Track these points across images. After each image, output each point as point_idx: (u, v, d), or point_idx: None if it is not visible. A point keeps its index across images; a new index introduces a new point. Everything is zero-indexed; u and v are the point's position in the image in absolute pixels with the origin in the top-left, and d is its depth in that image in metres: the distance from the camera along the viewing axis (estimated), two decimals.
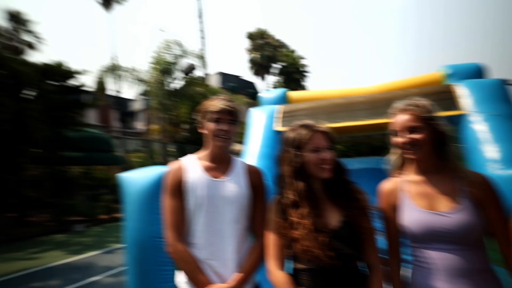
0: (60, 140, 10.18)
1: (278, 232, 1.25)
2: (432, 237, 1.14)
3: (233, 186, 1.41)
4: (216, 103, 1.41)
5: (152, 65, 12.97)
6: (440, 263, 1.12)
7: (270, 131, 3.82)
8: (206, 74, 20.10)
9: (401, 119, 1.25)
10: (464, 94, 3.26)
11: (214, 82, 29.67)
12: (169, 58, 13.01)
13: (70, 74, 10.15)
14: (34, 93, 9.46)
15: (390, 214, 1.30)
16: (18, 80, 8.70)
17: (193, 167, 1.43)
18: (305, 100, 4.49)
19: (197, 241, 1.38)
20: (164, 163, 13.62)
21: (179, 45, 12.99)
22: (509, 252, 1.10)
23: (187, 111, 16.20)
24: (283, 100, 4.52)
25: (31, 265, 5.65)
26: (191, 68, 10.99)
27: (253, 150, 3.62)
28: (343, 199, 1.26)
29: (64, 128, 10.41)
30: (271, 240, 1.28)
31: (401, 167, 1.34)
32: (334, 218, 1.22)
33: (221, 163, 1.46)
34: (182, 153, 15.23)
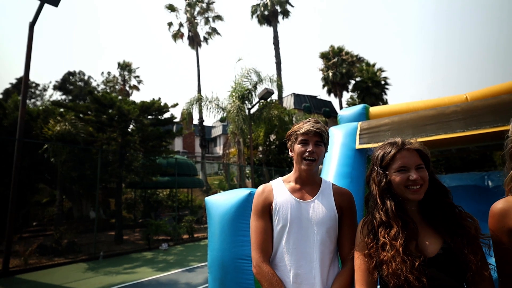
0: (152, 166, 11.53)
1: (366, 254, 1.20)
2: None
3: (319, 208, 1.41)
4: (303, 126, 1.46)
5: (232, 93, 13.93)
6: None
7: (350, 149, 3.71)
8: (280, 97, 20.67)
9: None
10: None
11: (289, 103, 30.19)
12: (246, 84, 13.84)
13: (163, 108, 11.58)
14: (135, 128, 11.05)
15: (504, 240, 1.09)
16: (124, 117, 10.31)
17: (280, 189, 1.47)
18: (387, 115, 4.27)
19: (283, 263, 1.38)
20: (240, 184, 14.18)
21: (256, 72, 13.74)
22: None
23: (263, 133, 16.76)
24: (363, 116, 4.38)
25: (127, 279, 6.41)
26: (267, 93, 11.43)
27: (331, 170, 3.56)
28: (444, 224, 1.14)
29: (155, 156, 11.75)
30: (359, 263, 1.23)
31: None
32: (432, 245, 1.12)
33: (308, 184, 1.48)
34: (257, 174, 15.70)
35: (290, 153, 1.51)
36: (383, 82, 28.04)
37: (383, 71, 28.24)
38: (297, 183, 1.48)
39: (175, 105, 11.97)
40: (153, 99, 11.48)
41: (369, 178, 1.28)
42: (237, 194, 2.05)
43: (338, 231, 1.44)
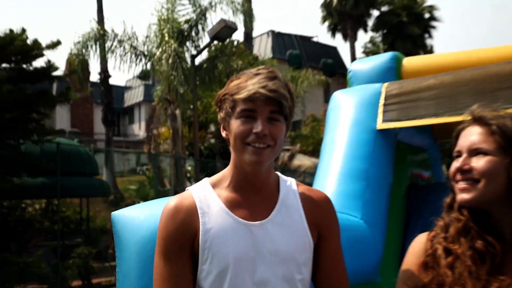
0: (11, 157, 11.05)
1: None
2: None
3: (281, 233, 1.39)
4: (246, 83, 1.34)
5: (158, 27, 13.61)
6: None
7: (368, 130, 3.79)
8: (250, 36, 20.59)
9: None
10: None
11: (263, 49, 30.23)
12: (187, 11, 13.56)
13: (31, 49, 10.97)
14: None
15: None
16: None
17: (209, 203, 1.40)
18: (432, 72, 4.38)
19: None
20: (176, 190, 14.15)
21: None
22: None
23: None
24: (392, 73, 4.46)
25: None
26: (225, 27, 11.22)
27: (335, 166, 3.62)
28: None
29: (19, 139, 11.26)
30: None
31: None
32: None
33: (256, 191, 1.44)
34: (205, 173, 15.69)
35: (223, 133, 1.44)
36: (427, 16, 28.79)
37: None
38: (237, 189, 1.43)
39: (55, 45, 11.41)
40: (11, 30, 10.90)
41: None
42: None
43: (314, 266, 1.46)
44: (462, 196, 1.30)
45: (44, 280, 10.77)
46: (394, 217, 3.88)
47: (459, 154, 1.35)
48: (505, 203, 1.29)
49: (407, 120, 3.75)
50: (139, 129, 35.93)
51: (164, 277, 1.37)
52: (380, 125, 3.81)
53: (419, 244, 1.41)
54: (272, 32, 31.64)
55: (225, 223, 1.35)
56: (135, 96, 37.92)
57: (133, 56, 13.96)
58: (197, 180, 13.31)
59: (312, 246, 1.43)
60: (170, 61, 12.99)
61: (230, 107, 1.36)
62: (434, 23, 28.68)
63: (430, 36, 28.40)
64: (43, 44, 11.30)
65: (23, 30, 11.12)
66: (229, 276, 1.32)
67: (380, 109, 3.89)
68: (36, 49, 11.14)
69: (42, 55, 11.39)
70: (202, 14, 13.50)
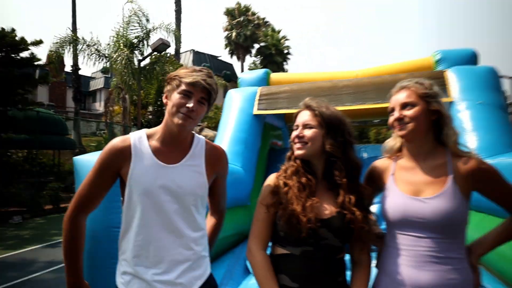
0: (3, 120, 9.68)
1: (269, 208, 1.29)
2: (407, 222, 1.19)
3: (186, 173, 1.30)
4: (192, 73, 1.26)
5: (116, 39, 12.50)
6: (410, 249, 1.18)
7: (247, 114, 3.83)
8: (178, 52, 19.72)
9: (398, 96, 1.28)
10: (453, 81, 3.40)
11: (187, 61, 29.14)
12: (137, 30, 12.60)
13: (19, 44, 9.58)
14: None
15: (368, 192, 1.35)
16: None
17: (141, 148, 1.27)
18: (287, 82, 4.52)
19: (135, 245, 1.25)
20: None
21: (145, 16, 12.57)
22: None
23: (154, 91, 15.86)
24: (264, 81, 4.53)
25: None
26: (162, 44, 10.61)
27: (227, 134, 3.64)
28: (343, 187, 1.26)
29: (8, 107, 9.89)
30: (259, 215, 1.33)
31: (396, 151, 1.36)
32: (328, 207, 1.26)
33: (177, 144, 1.33)
34: None
35: (165, 100, 1.32)
36: (285, 51, 29.60)
37: (287, 39, 29.74)
38: (165, 141, 1.31)
39: (38, 43, 10.04)
40: (3, 29, 9.41)
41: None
42: None
43: (210, 194, 1.42)
44: (297, 152, 1.30)
45: (23, 205, 9.64)
46: (260, 167, 4.00)
47: (297, 128, 1.34)
48: (319, 156, 1.30)
49: (271, 110, 3.86)
50: (99, 106, 32.89)
51: (90, 183, 1.28)
52: (255, 112, 3.88)
53: (270, 179, 1.38)
54: (193, 50, 30.50)
55: (149, 164, 1.26)
56: (97, 83, 34.55)
57: (97, 56, 12.74)
58: None
59: (208, 185, 1.36)
60: (123, 62, 12.10)
61: (176, 84, 1.27)
62: (289, 56, 29.57)
63: (287, 63, 29.28)
64: (29, 41, 9.90)
65: (13, 30, 9.61)
66: (144, 197, 1.24)
67: (256, 102, 3.95)
68: (23, 44, 9.70)
69: (27, 49, 9.97)
70: (147, 34, 12.66)
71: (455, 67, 3.56)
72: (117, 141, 1.29)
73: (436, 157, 1.24)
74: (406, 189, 1.23)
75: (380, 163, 1.39)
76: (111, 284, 1.76)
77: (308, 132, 1.30)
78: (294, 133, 1.34)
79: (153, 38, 12.53)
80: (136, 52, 12.76)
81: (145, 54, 12.65)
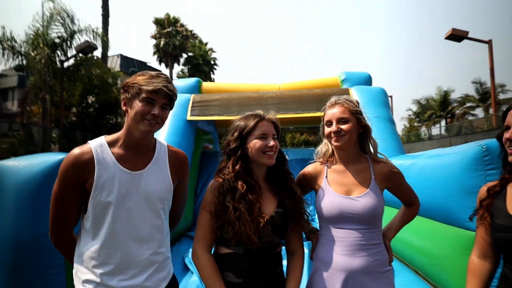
0: None
1: (213, 213, 1.23)
2: (342, 218, 1.28)
3: (152, 179, 1.22)
4: (152, 81, 1.17)
5: (35, 36, 10.96)
6: (343, 240, 1.27)
7: (181, 119, 3.74)
8: (105, 55, 18.17)
9: (333, 111, 1.35)
10: (355, 97, 3.84)
11: (114, 64, 27.01)
12: (60, 30, 11.24)
13: None
14: None
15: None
16: None
17: (104, 157, 1.17)
18: (218, 91, 4.55)
19: (104, 250, 1.15)
20: (44, 149, 11.72)
21: (69, 16, 11.29)
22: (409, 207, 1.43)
23: (79, 93, 14.35)
24: (196, 89, 4.49)
25: None
26: (88, 46, 9.65)
27: (161, 139, 3.51)
28: (282, 190, 1.30)
29: None
30: (203, 221, 1.26)
31: (328, 156, 1.43)
32: (270, 206, 1.27)
33: (141, 150, 1.24)
34: (67, 139, 13.37)
35: (124, 107, 1.21)
36: (212, 62, 29.51)
37: (214, 51, 29.74)
38: (128, 147, 1.21)
39: None
40: None
41: (227, 146, 1.30)
42: (44, 159, 1.70)
43: (174, 196, 1.33)
44: (269, 161, 1.27)
45: None
46: (193, 170, 3.94)
47: (264, 136, 1.27)
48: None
49: (203, 116, 3.84)
50: (12, 106, 28.35)
51: (58, 202, 1.15)
52: (189, 117, 3.81)
53: (213, 184, 1.28)
54: (121, 55, 28.40)
55: (115, 172, 1.16)
56: (10, 81, 29.77)
57: (11, 53, 11.01)
58: (60, 143, 11.25)
59: (173, 188, 1.29)
60: (43, 61, 10.67)
61: (136, 92, 1.16)
62: (216, 66, 29.63)
63: (213, 73, 29.20)
64: None
65: None
66: (112, 206, 1.14)
67: (189, 109, 3.89)
68: None
69: None
70: (71, 35, 11.37)
71: (356, 86, 4.02)
72: (77, 153, 1.16)
73: (360, 163, 1.37)
74: (339, 189, 1.32)
75: (313, 167, 1.45)
76: None
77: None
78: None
79: (79, 40, 11.36)
80: (58, 52, 11.41)
81: (69, 55, 11.38)
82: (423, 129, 27.69)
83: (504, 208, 1.09)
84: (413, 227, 1.65)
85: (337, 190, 1.33)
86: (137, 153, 1.22)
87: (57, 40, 11.40)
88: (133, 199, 1.17)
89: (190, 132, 3.85)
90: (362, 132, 1.36)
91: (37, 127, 12.78)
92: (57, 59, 11.41)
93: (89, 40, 10.29)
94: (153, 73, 1.21)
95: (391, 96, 20.19)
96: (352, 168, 1.36)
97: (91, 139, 1.25)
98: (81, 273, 1.17)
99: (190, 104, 3.96)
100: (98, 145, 1.19)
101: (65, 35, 11.43)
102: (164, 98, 1.18)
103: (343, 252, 1.28)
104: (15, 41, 11.13)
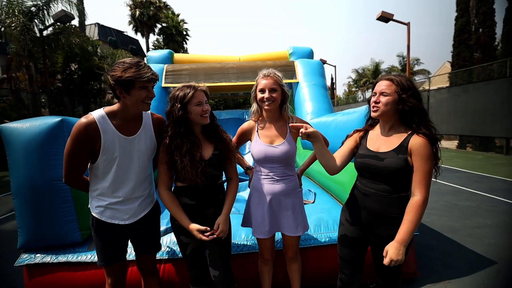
0: None
1: (167, 165, 1.39)
2: (267, 159, 1.52)
3: (142, 141, 1.38)
4: (141, 72, 1.26)
5: (7, 4, 9.41)
6: (269, 174, 1.53)
7: (157, 87, 3.69)
8: (83, 25, 16.18)
9: (266, 81, 1.48)
10: (299, 69, 3.99)
11: (92, 33, 24.15)
12: (33, 0, 9.69)
13: None
14: None
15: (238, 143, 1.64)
16: None
17: (106, 127, 1.29)
18: (187, 62, 4.45)
19: (109, 190, 1.36)
20: (35, 113, 10.81)
21: None
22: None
23: (61, 61, 12.93)
24: (169, 60, 4.35)
25: None
26: (65, 16, 8.49)
27: None
28: (214, 138, 1.47)
29: None
30: (162, 170, 1.42)
31: (257, 116, 1.59)
32: (208, 151, 1.44)
33: (133, 120, 1.37)
34: (56, 103, 12.32)
35: (120, 95, 1.29)
36: (184, 33, 27.38)
37: (186, 23, 27.41)
38: (123, 119, 1.33)
39: None
40: None
41: (170, 112, 1.40)
42: (45, 121, 1.76)
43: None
44: (204, 120, 1.41)
45: None
46: None
47: (200, 103, 1.38)
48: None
49: (175, 83, 3.81)
50: None
51: (74, 161, 1.30)
52: (163, 84, 3.77)
53: (163, 144, 1.41)
54: (98, 24, 25.33)
55: (115, 137, 1.31)
56: None
57: None
58: (50, 107, 10.37)
59: (156, 145, 1.45)
60: (18, 29, 9.36)
61: (131, 84, 1.26)
62: (188, 37, 27.56)
63: (186, 43, 27.25)
64: None
65: None
66: (117, 160, 1.33)
67: (163, 77, 3.83)
68: None
69: None
70: (47, 3, 9.87)
71: (300, 59, 4.14)
72: (85, 123, 1.26)
73: (280, 120, 1.57)
74: (265, 140, 1.54)
75: (247, 124, 1.63)
76: (55, 224, 1.79)
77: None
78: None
79: (56, 9, 9.96)
80: (36, 21, 10.00)
81: (47, 24, 10.03)
82: (359, 94, 28.68)
83: (365, 144, 1.37)
84: None
85: (264, 141, 1.56)
86: (130, 122, 1.36)
87: (33, 9, 9.93)
88: (130, 155, 1.36)
89: (165, 97, 3.85)
90: (282, 98, 1.55)
91: (26, 92, 11.55)
92: (35, 28, 10.03)
93: (65, 9, 9.05)
94: (131, 61, 1.28)
95: (334, 66, 20.44)
96: (275, 125, 1.57)
97: (78, 103, 1.37)
98: (95, 200, 1.40)
99: (164, 73, 3.89)
100: (100, 117, 1.30)
101: (40, 3, 9.95)
102: (154, 82, 1.33)
103: (269, 182, 1.55)
104: None
